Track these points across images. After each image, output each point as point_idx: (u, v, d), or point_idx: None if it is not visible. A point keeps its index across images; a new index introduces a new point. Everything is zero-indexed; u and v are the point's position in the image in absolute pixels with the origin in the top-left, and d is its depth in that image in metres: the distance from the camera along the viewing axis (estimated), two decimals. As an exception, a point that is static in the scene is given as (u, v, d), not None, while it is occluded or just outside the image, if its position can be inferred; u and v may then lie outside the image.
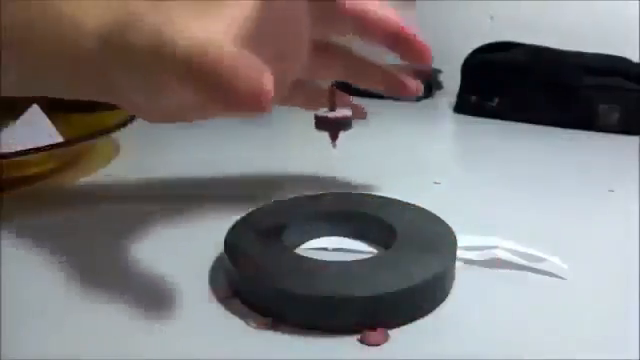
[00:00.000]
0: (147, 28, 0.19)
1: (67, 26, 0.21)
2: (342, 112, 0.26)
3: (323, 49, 0.29)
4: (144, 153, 0.44)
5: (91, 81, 0.22)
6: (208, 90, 0.19)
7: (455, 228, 0.26)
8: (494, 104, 0.56)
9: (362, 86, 0.32)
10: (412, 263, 0.23)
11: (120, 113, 0.41)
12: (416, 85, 0.31)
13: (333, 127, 0.26)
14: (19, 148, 0.33)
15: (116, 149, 0.44)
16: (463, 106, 0.58)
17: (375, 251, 0.27)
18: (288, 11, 0.23)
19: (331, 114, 0.26)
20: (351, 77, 0.31)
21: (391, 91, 0.31)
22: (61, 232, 0.30)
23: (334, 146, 0.27)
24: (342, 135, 0.27)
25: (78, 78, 0.22)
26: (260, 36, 0.21)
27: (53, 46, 0.21)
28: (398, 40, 0.27)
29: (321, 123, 0.26)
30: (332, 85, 0.27)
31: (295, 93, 0.29)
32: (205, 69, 0.19)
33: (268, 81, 0.19)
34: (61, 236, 0.30)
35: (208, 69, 0.19)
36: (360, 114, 0.34)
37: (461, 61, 0.58)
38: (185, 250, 0.27)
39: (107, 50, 0.20)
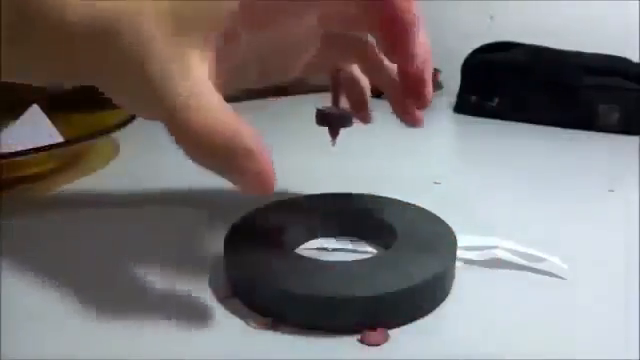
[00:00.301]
0: (141, 38, 0.19)
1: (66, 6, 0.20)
2: (343, 109, 0.26)
3: (340, 42, 0.27)
4: (144, 153, 0.44)
5: (86, 75, 0.21)
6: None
7: (455, 228, 0.26)
8: (494, 104, 0.56)
9: (373, 83, 0.30)
10: (412, 263, 0.23)
11: (120, 113, 0.41)
12: (419, 119, 0.28)
13: (334, 123, 0.26)
14: (19, 148, 0.33)
15: (116, 149, 0.44)
16: (463, 106, 0.58)
17: (375, 251, 0.27)
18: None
19: (333, 110, 0.26)
20: (365, 73, 0.29)
21: (393, 109, 0.28)
22: (61, 232, 0.30)
23: (333, 144, 0.27)
24: (342, 135, 0.27)
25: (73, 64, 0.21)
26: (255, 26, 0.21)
27: (52, 23, 0.20)
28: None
29: (322, 119, 0.26)
30: (336, 80, 0.27)
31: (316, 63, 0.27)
32: (184, 128, 0.19)
33: (268, 162, 0.20)
34: (61, 236, 0.30)
35: (187, 129, 0.19)
36: (367, 119, 0.32)
37: (461, 61, 0.58)
38: (185, 250, 0.27)
39: (97, 40, 0.19)
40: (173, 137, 0.20)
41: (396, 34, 0.21)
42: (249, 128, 0.20)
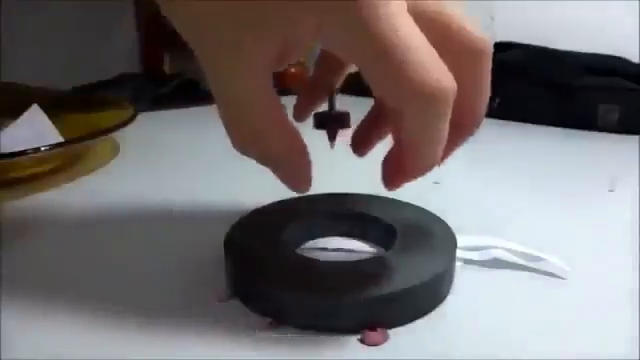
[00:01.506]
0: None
1: None
2: (341, 111, 0.26)
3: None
4: (144, 153, 0.44)
5: None
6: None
7: (455, 228, 0.26)
8: (494, 104, 0.56)
9: None
10: (412, 263, 0.23)
11: (120, 113, 0.41)
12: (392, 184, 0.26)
13: (332, 126, 0.26)
14: (19, 148, 0.33)
15: (116, 149, 0.44)
16: (463, 106, 0.58)
17: (375, 251, 0.27)
18: None
19: (330, 113, 0.26)
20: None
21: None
22: (60, 232, 0.30)
23: (332, 146, 0.27)
24: (342, 135, 0.27)
25: None
26: None
27: None
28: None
29: (320, 122, 0.26)
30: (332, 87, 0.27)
31: None
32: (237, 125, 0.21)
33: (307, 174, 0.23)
34: (60, 236, 0.30)
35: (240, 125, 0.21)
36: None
37: (461, 61, 0.58)
38: (185, 250, 0.27)
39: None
40: (225, 122, 0.21)
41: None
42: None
